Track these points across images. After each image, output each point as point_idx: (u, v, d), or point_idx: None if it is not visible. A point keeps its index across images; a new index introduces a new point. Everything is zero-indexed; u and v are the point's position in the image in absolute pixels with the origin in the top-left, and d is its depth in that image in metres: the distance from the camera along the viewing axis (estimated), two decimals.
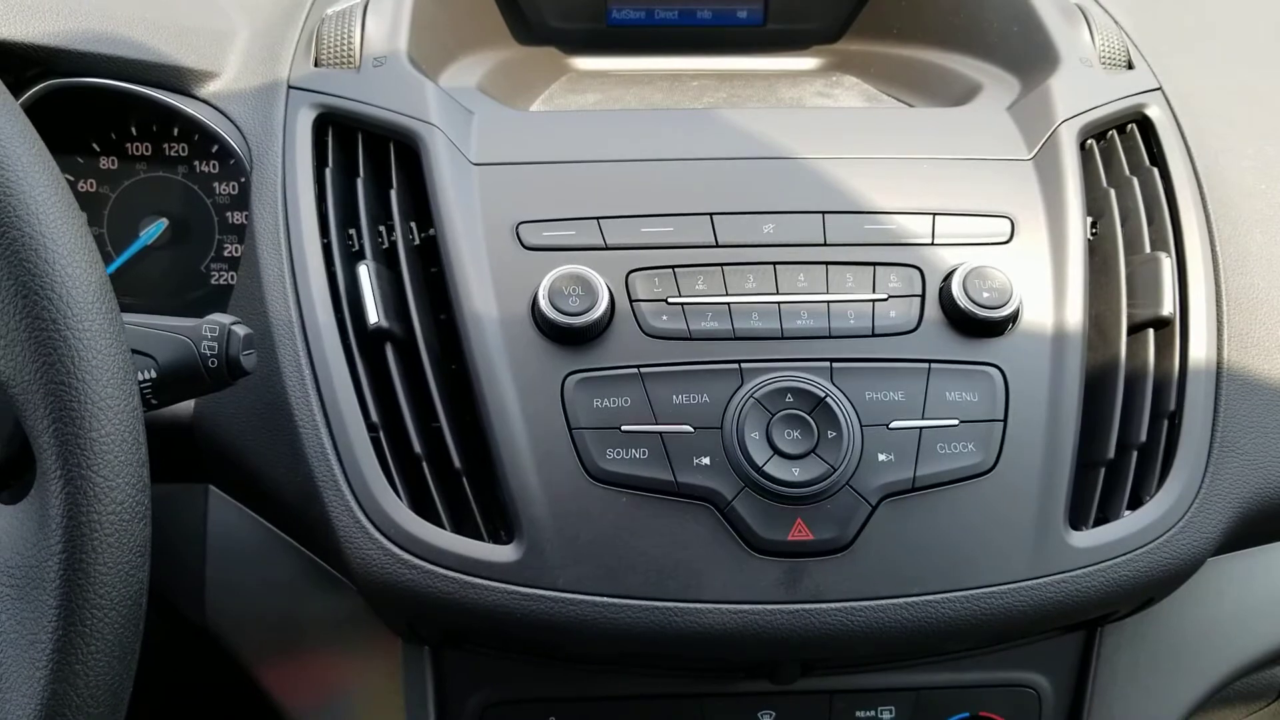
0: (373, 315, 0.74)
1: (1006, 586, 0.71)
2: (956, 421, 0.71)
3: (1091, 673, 0.83)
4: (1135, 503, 0.75)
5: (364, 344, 0.75)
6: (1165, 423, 0.77)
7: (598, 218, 0.75)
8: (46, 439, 0.51)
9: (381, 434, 0.73)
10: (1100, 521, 0.74)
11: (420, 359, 0.74)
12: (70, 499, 0.51)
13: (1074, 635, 0.83)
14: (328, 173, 0.79)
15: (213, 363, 0.61)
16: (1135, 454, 0.76)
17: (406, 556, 0.70)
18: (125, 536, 0.52)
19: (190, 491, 0.83)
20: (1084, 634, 0.83)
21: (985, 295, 0.73)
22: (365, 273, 0.75)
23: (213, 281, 0.90)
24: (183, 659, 0.92)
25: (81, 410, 0.50)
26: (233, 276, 0.88)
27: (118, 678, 0.53)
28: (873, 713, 0.83)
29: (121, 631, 0.53)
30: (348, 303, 0.75)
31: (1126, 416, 0.76)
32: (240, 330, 0.62)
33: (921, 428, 0.71)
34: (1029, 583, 0.71)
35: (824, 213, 0.76)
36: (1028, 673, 0.83)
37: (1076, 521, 0.74)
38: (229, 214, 0.89)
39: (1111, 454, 0.75)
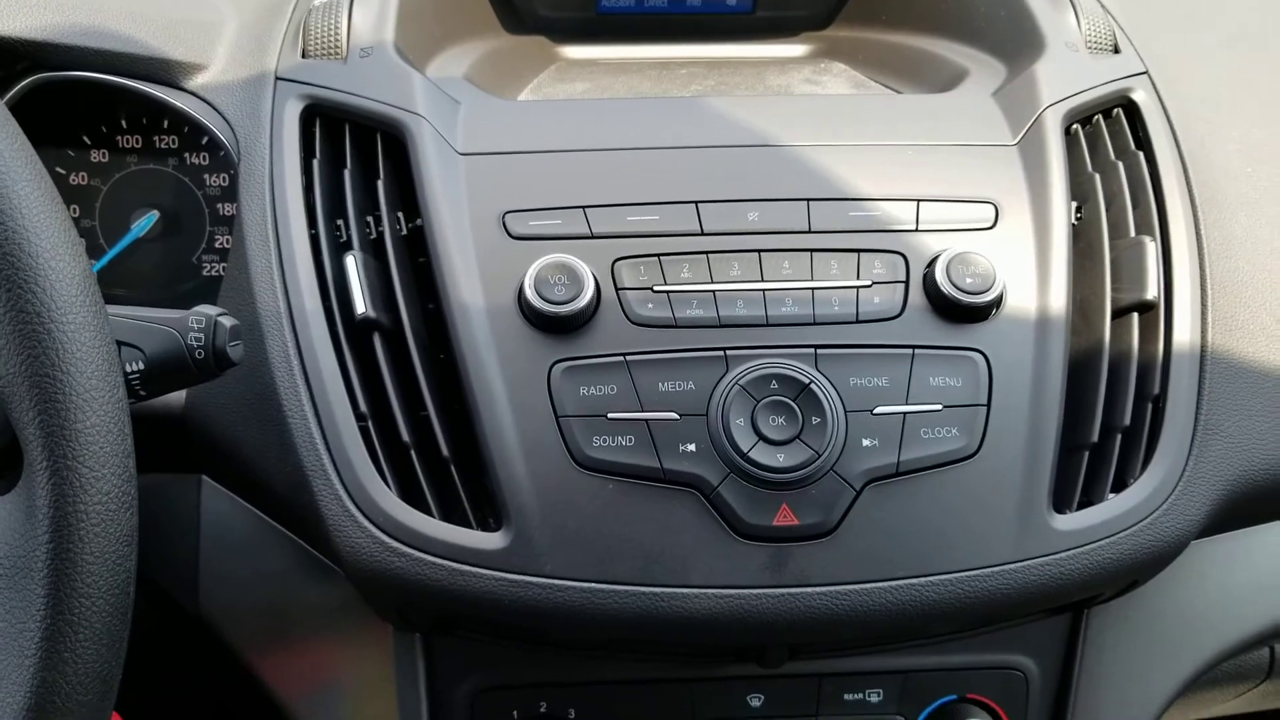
0: (360, 305, 0.74)
1: (991, 570, 0.71)
2: (940, 406, 0.72)
3: (1078, 655, 0.84)
4: (1119, 486, 0.76)
5: (352, 334, 0.75)
6: (1149, 406, 0.77)
7: (583, 206, 0.76)
8: (32, 431, 0.51)
9: (370, 423, 0.73)
10: (1084, 505, 0.75)
11: (408, 348, 0.74)
12: (57, 489, 0.51)
13: (1060, 618, 0.84)
14: (315, 164, 0.80)
15: (199, 354, 0.62)
16: (1119, 437, 0.76)
17: (395, 544, 0.71)
18: (112, 526, 0.53)
19: (183, 482, 0.84)
20: (1070, 616, 0.84)
21: (969, 281, 0.73)
22: (352, 263, 0.75)
23: (204, 273, 0.90)
24: (176, 647, 0.93)
25: (66, 402, 0.51)
26: (224, 268, 0.89)
27: (107, 665, 0.54)
28: (861, 695, 0.83)
29: (110, 619, 0.54)
30: (335, 293, 0.76)
31: (1110, 400, 0.76)
32: (226, 321, 0.62)
33: (905, 413, 0.71)
34: (1013, 565, 0.72)
35: (809, 200, 0.77)
36: (1015, 655, 0.84)
37: (1060, 505, 0.74)
38: (220, 206, 0.90)
39: (1095, 437, 0.76)
